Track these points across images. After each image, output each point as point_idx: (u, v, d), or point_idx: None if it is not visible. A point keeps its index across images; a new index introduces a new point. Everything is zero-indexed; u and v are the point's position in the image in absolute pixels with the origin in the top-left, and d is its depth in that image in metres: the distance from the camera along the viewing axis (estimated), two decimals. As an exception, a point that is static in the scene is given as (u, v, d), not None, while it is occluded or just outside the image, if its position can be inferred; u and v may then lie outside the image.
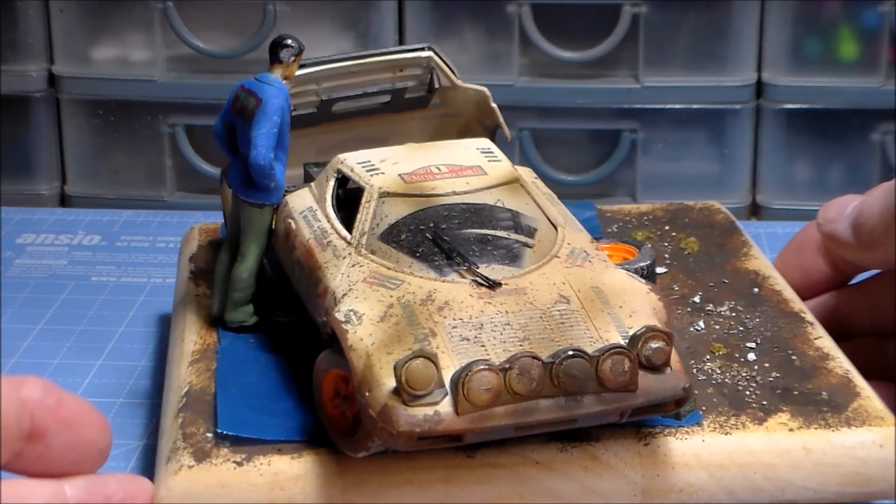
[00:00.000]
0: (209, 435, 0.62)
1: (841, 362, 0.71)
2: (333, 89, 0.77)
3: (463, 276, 0.64)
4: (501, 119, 0.80)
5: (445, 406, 0.57)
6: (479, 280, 0.63)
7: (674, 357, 0.61)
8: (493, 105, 0.80)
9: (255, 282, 0.72)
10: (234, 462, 0.61)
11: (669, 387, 0.60)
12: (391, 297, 0.62)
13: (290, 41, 0.72)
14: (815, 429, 0.65)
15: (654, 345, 0.60)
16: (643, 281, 0.66)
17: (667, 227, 0.88)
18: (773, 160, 1.34)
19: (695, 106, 1.32)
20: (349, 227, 0.67)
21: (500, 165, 0.70)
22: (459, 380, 0.57)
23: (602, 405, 0.59)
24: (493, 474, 0.62)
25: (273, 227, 0.72)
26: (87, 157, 1.39)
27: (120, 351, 0.86)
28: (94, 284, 0.95)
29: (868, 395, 0.67)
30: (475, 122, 0.82)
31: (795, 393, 0.68)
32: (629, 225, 0.89)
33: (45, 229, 1.06)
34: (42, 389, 0.46)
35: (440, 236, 0.65)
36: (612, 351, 0.59)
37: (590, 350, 0.59)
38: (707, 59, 1.32)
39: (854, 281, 0.82)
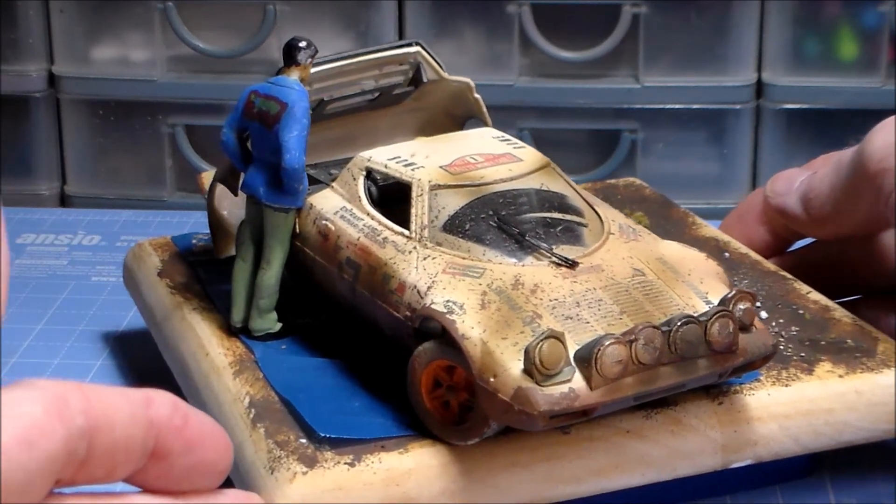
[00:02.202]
0: (304, 441, 0.62)
1: (843, 312, 0.74)
2: (323, 90, 0.77)
3: (539, 259, 0.65)
4: (484, 108, 0.81)
5: (578, 382, 0.59)
6: (558, 261, 0.64)
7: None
8: (477, 95, 0.80)
9: (279, 287, 0.72)
10: (346, 464, 0.61)
11: (761, 344, 0.63)
12: (480, 285, 0.63)
13: (304, 43, 0.71)
14: (861, 372, 0.68)
15: (743, 306, 0.63)
16: (695, 249, 0.68)
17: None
18: (773, 160, 1.34)
19: (695, 106, 1.33)
20: (397, 223, 0.68)
21: (527, 151, 0.72)
22: (593, 354, 0.59)
23: (712, 367, 0.62)
24: (590, 447, 0.63)
25: (296, 230, 0.72)
26: (87, 157, 1.39)
27: (120, 351, 0.86)
28: (94, 284, 0.95)
29: (886, 339, 0.71)
30: (444, 115, 0.82)
31: (823, 343, 0.71)
32: None
33: (45, 229, 1.06)
34: (170, 408, 0.45)
35: (506, 223, 0.66)
36: (719, 314, 0.61)
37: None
38: (707, 59, 1.32)
39: (793, 248, 0.84)
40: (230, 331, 0.72)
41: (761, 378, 0.67)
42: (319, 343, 0.72)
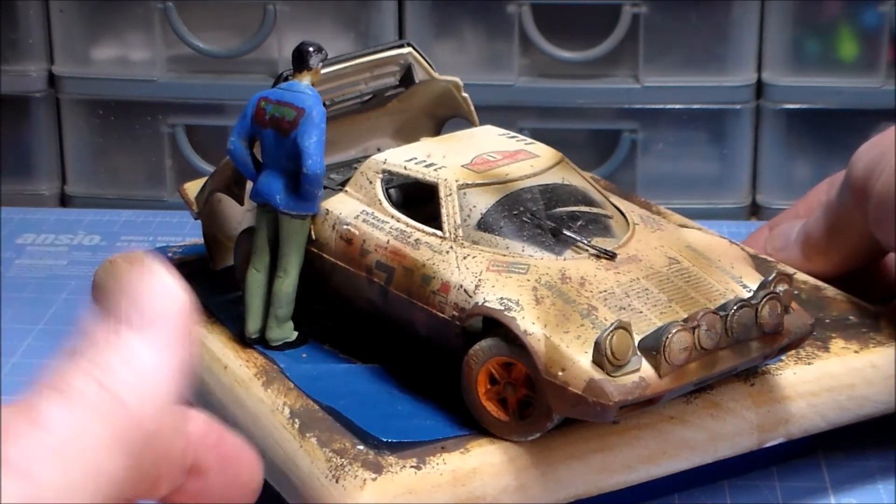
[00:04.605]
0: (361, 447, 0.63)
1: (834, 290, 0.76)
2: (322, 94, 0.76)
3: (578, 252, 0.65)
4: (472, 107, 0.81)
5: (647, 371, 0.60)
6: (598, 253, 0.65)
7: None
8: (465, 94, 0.81)
9: (296, 296, 0.71)
10: (412, 467, 0.61)
11: (801, 324, 0.65)
12: (528, 280, 0.63)
13: (314, 47, 0.71)
14: (873, 347, 0.70)
15: (782, 287, 0.64)
16: (719, 235, 0.69)
17: None
18: (773, 160, 1.34)
19: (695, 106, 1.32)
20: (425, 224, 0.68)
21: (539, 147, 0.72)
22: (661, 343, 0.60)
23: (762, 349, 0.63)
24: (639, 435, 0.65)
25: (312, 236, 0.71)
26: (87, 157, 1.39)
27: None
28: (94, 284, 0.95)
29: (884, 313, 0.73)
30: (424, 117, 0.82)
31: (828, 321, 0.73)
32: None
33: (45, 229, 1.06)
34: (205, 424, 0.45)
35: (539, 218, 0.66)
36: (768, 297, 0.63)
37: (721, 302, 0.63)
38: (707, 59, 1.32)
39: None
40: (243, 342, 0.72)
41: (783, 358, 0.68)
42: (338, 349, 0.72)
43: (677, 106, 1.33)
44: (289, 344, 0.72)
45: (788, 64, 1.32)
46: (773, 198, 1.34)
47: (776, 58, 1.31)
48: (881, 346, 0.70)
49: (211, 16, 1.36)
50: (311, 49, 0.70)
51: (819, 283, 0.77)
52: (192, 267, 0.82)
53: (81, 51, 1.38)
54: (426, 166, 0.69)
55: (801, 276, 0.77)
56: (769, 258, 0.80)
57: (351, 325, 0.73)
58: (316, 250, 0.71)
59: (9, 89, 1.36)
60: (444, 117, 0.83)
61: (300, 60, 0.70)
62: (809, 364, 0.69)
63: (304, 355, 0.71)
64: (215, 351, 0.72)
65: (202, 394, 0.71)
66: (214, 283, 0.79)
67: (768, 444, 0.67)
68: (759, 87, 1.32)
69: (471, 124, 0.80)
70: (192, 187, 0.79)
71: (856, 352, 0.70)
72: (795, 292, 0.74)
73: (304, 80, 0.70)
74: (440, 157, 0.70)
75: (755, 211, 1.35)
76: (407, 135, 0.81)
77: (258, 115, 0.70)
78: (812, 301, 0.75)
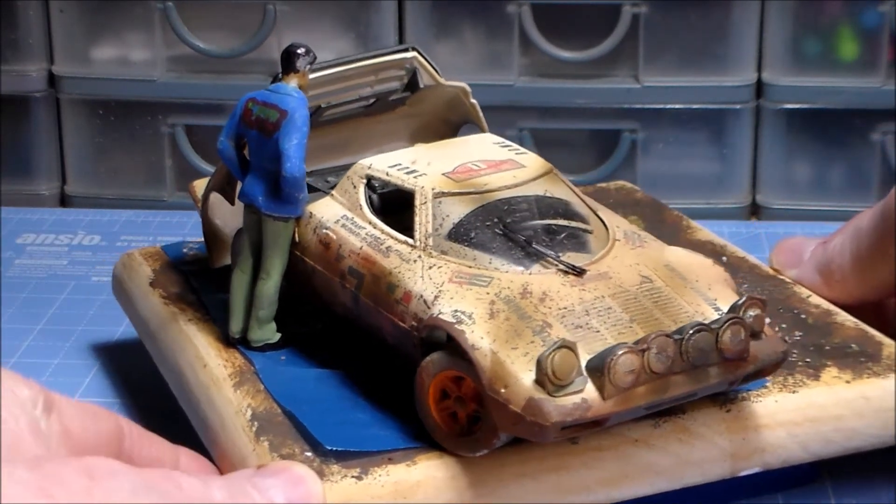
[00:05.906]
0: (309, 454, 0.62)
1: (845, 316, 0.73)
2: (320, 97, 0.76)
3: (546, 267, 0.64)
4: (480, 114, 0.80)
5: (590, 392, 0.58)
6: (566, 269, 0.64)
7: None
8: (473, 101, 0.80)
9: (278, 297, 0.71)
10: (353, 477, 0.60)
11: (771, 351, 0.62)
12: (488, 294, 0.62)
13: (302, 49, 0.70)
14: (867, 377, 0.67)
15: (753, 312, 0.62)
16: (701, 255, 0.68)
17: None
18: (773, 160, 1.34)
19: (695, 106, 1.33)
20: (399, 231, 0.67)
21: (530, 157, 0.71)
22: (605, 364, 0.58)
23: (723, 375, 0.61)
24: (598, 457, 0.63)
25: (296, 239, 0.71)
26: (87, 157, 1.39)
27: (120, 351, 0.86)
28: (94, 284, 0.95)
29: (890, 342, 0.71)
30: (438, 121, 0.82)
31: (828, 348, 0.70)
32: None
33: (45, 229, 1.06)
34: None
35: (512, 230, 0.65)
36: (730, 321, 0.61)
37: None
38: (707, 59, 1.32)
39: None
40: (228, 342, 0.72)
41: (768, 384, 0.66)
42: (318, 353, 0.71)
43: (677, 106, 1.33)
44: (271, 346, 0.72)
45: (788, 64, 1.32)
46: (773, 198, 1.34)
47: (776, 58, 1.31)
48: (876, 377, 0.67)
49: (211, 16, 1.36)
50: (298, 52, 0.70)
51: (831, 307, 0.74)
52: (200, 264, 0.82)
53: (81, 51, 1.38)
54: (407, 173, 0.69)
55: (813, 300, 0.75)
56: (787, 279, 0.78)
57: (332, 329, 0.72)
58: (299, 253, 0.71)
59: (9, 89, 1.36)
60: (457, 122, 0.82)
61: (287, 62, 0.70)
62: (794, 392, 0.66)
63: (283, 358, 0.71)
64: (200, 348, 0.72)
65: (182, 390, 0.71)
66: (218, 282, 0.79)
67: (743, 473, 0.66)
68: (759, 87, 1.32)
69: (480, 131, 0.80)
70: (201, 185, 0.79)
71: (847, 382, 0.67)
72: (802, 316, 0.73)
73: (292, 83, 0.70)
74: (424, 164, 0.69)
75: (755, 211, 1.35)
76: (423, 139, 0.81)
77: (246, 116, 0.70)
78: (818, 326, 0.72)
